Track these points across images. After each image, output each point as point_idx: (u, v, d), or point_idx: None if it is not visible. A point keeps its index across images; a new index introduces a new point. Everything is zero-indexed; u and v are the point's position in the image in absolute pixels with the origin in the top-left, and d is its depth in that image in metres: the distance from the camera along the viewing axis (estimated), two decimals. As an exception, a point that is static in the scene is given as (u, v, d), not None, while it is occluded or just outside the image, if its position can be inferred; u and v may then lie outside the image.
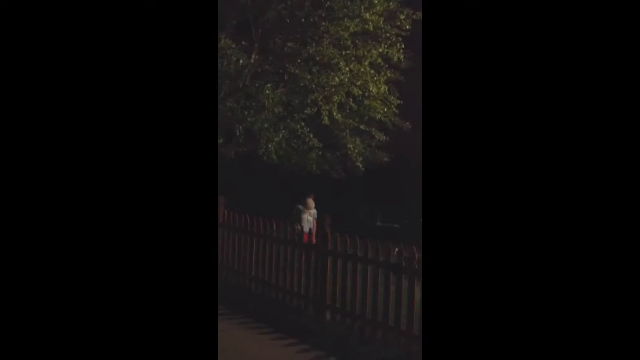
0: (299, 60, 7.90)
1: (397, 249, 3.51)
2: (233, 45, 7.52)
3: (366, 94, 8.17)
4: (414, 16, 8.21)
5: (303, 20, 7.76)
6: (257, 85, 7.81)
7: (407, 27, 8.26)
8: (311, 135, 8.08)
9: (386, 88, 8.34)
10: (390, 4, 8.08)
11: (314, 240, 4.66)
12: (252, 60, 7.91)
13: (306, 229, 5.96)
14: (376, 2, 7.79)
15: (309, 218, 6.33)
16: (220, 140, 7.41)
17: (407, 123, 8.97)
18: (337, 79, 7.78)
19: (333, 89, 7.90)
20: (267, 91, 7.68)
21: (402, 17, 8.19)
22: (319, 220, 4.88)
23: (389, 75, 8.46)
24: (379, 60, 8.17)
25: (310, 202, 6.37)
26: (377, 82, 8.14)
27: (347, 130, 8.42)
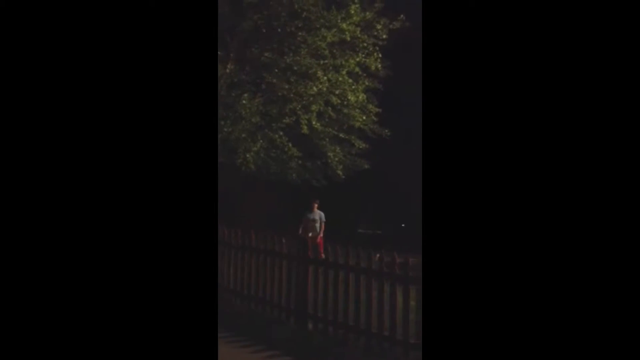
0: (276, 70, 7.89)
1: (378, 255, 3.49)
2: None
3: (345, 102, 8.21)
4: (391, 26, 8.34)
5: (280, 30, 7.78)
6: (233, 95, 7.75)
7: (384, 36, 8.38)
8: (290, 145, 8.05)
9: (364, 97, 8.41)
10: (367, 14, 8.19)
11: (321, 245, 5.02)
12: (227, 70, 7.86)
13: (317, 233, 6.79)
14: (353, 12, 7.88)
15: (315, 224, 7.18)
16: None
17: (386, 131, 9.05)
18: (315, 88, 7.80)
19: (311, 98, 7.91)
20: (244, 101, 7.63)
21: (378, 27, 8.30)
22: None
23: (367, 84, 8.54)
24: (357, 69, 8.24)
25: (315, 206, 7.23)
26: (356, 91, 8.20)
27: (327, 139, 8.44)
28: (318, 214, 7.26)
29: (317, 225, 7.20)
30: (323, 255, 4.17)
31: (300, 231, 7.11)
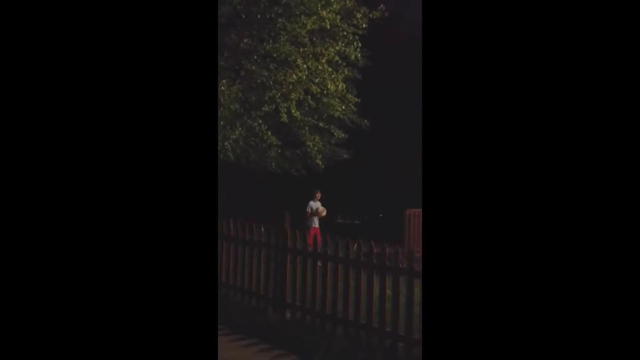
0: (255, 57, 7.77)
1: (355, 245, 3.53)
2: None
3: (324, 91, 8.18)
4: (370, 15, 8.31)
5: (259, 16, 7.64)
6: (212, 81, 7.60)
7: (364, 25, 8.35)
8: (269, 133, 7.99)
9: (344, 86, 8.39)
10: (347, 2, 8.12)
11: (319, 236, 5.11)
12: (206, 56, 7.69)
13: (315, 224, 7.12)
14: (333, 0, 7.80)
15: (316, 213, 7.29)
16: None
17: (365, 121, 9.08)
18: (294, 76, 7.73)
19: (291, 86, 7.84)
20: (222, 87, 7.51)
21: (358, 15, 8.26)
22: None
23: (346, 73, 8.51)
24: (337, 58, 8.20)
25: (318, 196, 7.28)
26: (335, 80, 8.17)
27: (306, 128, 8.41)
28: (319, 204, 7.34)
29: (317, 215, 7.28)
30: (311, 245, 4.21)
31: (308, 217, 7.15)
